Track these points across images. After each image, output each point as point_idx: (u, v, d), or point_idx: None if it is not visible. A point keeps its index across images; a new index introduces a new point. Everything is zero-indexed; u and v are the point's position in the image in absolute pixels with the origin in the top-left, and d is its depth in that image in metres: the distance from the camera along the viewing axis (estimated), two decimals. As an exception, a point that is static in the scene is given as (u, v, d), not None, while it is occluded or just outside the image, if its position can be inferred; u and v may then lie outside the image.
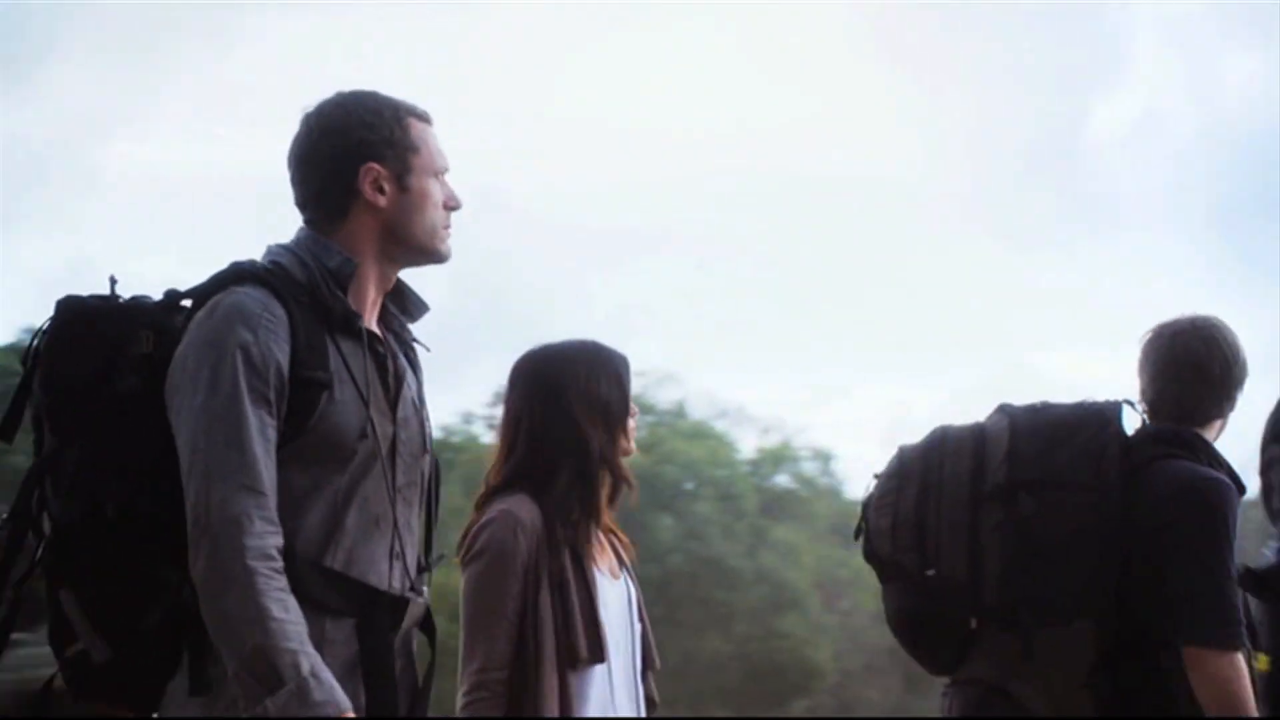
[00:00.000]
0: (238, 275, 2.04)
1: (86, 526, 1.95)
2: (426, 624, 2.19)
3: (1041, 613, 2.63)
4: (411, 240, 2.17)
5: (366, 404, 2.06)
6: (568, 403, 2.65)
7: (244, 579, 1.84)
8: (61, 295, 2.07)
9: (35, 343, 2.06)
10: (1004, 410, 2.81)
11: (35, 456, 2.05)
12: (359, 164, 2.12)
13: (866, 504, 2.92)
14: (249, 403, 1.93)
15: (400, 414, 2.14)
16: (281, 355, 1.97)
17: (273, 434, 1.95)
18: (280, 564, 1.89)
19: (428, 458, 2.23)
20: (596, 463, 2.64)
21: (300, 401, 1.98)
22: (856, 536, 2.94)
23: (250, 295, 2.00)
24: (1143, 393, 2.86)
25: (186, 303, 2.07)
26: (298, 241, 2.14)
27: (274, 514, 1.91)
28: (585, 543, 2.61)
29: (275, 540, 1.90)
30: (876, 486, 2.89)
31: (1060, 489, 2.67)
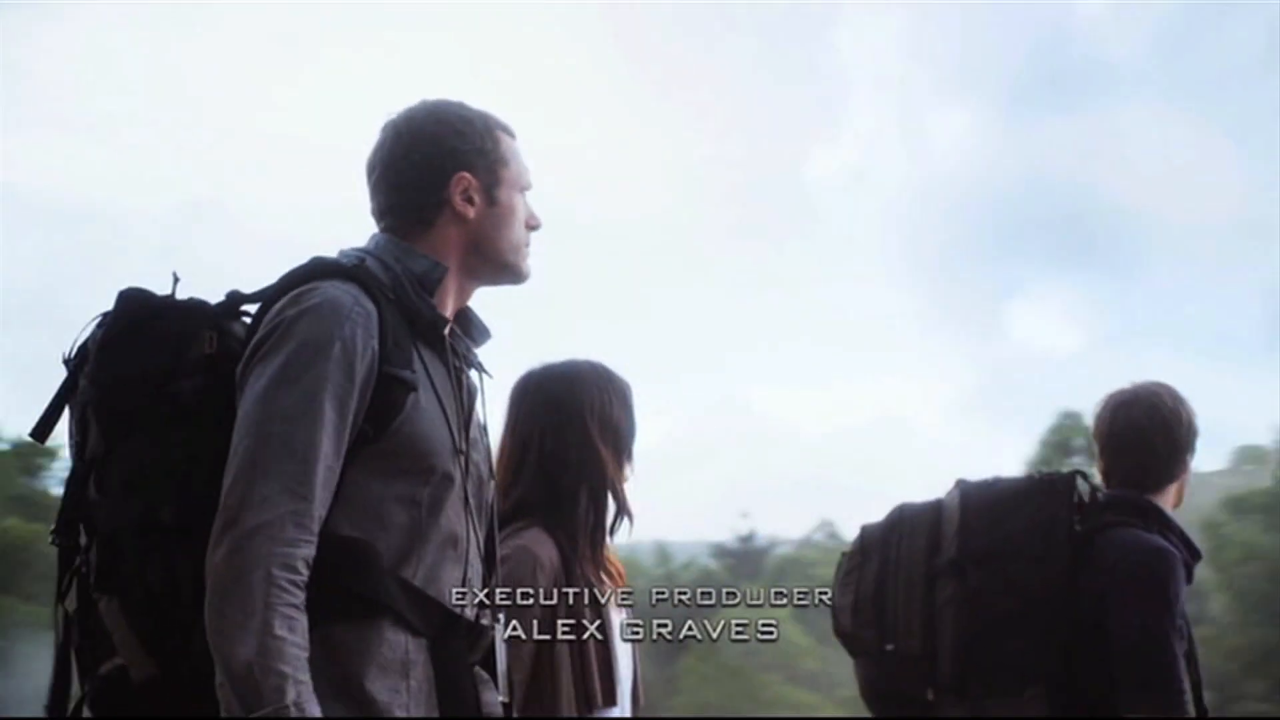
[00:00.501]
0: (322, 270, 1.94)
1: (138, 532, 1.82)
2: (489, 660, 2.08)
3: (992, 684, 2.68)
4: (496, 256, 2.10)
5: (447, 416, 1.97)
6: (583, 422, 2.55)
7: (258, 587, 1.71)
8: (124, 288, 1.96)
9: (87, 337, 1.94)
10: (959, 485, 2.88)
11: (77, 460, 1.93)
12: (451, 173, 2.06)
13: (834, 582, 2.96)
14: (328, 401, 1.81)
15: (471, 434, 2.06)
16: (372, 351, 1.87)
17: (346, 437, 1.84)
18: (303, 578, 1.76)
19: (491, 484, 2.15)
20: (608, 488, 2.56)
21: (384, 402, 1.88)
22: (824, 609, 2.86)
23: (339, 288, 1.89)
24: (1099, 461, 2.92)
25: (248, 307, 1.97)
26: (378, 246, 2.04)
27: (314, 525, 1.79)
28: (599, 580, 2.52)
29: (306, 551, 1.77)
30: (842, 564, 2.96)
31: (1009, 560, 2.71)
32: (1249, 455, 27.85)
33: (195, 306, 1.96)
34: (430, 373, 1.97)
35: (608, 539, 2.60)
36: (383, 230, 2.08)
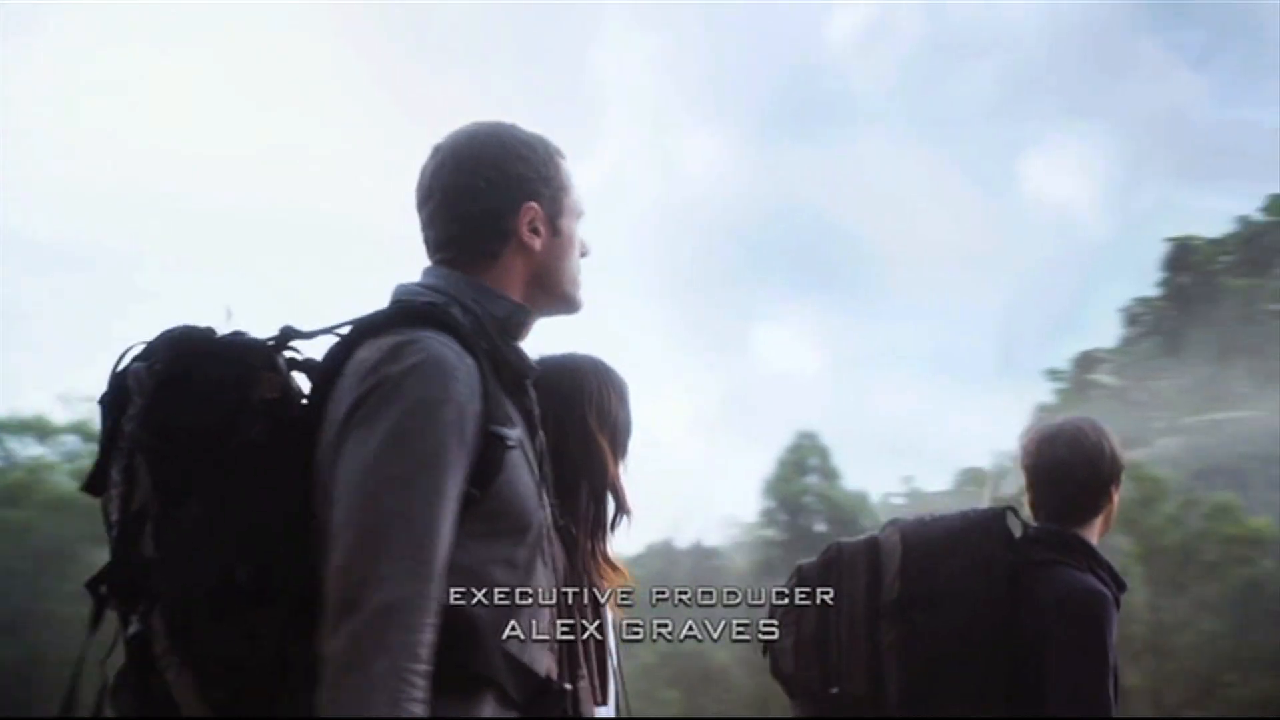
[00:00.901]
0: (414, 317, 1.81)
1: (212, 596, 1.68)
2: None
3: None
4: (557, 288, 2.02)
5: (531, 468, 1.88)
6: (582, 414, 2.48)
7: (384, 680, 1.59)
8: (172, 327, 1.81)
9: (131, 382, 1.79)
10: (895, 524, 2.92)
11: (120, 513, 1.78)
12: (519, 202, 1.96)
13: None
14: (445, 469, 1.71)
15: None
16: (476, 409, 1.76)
17: (458, 505, 1.73)
18: (428, 669, 1.65)
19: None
20: (608, 484, 2.50)
21: (487, 461, 1.78)
22: (764, 654, 2.97)
23: (439, 340, 1.78)
24: (1027, 495, 3.00)
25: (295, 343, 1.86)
26: (449, 284, 1.92)
27: (436, 608, 1.68)
28: (600, 577, 2.45)
29: (430, 636, 1.66)
30: (778, 605, 2.90)
31: (951, 602, 2.75)
32: (971, 477, 29.62)
33: (252, 346, 1.82)
34: (516, 424, 1.87)
35: (608, 535, 2.54)
36: (442, 263, 1.96)
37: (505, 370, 1.88)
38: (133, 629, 1.74)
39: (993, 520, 2.82)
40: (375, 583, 1.63)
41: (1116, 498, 2.93)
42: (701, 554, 27.19)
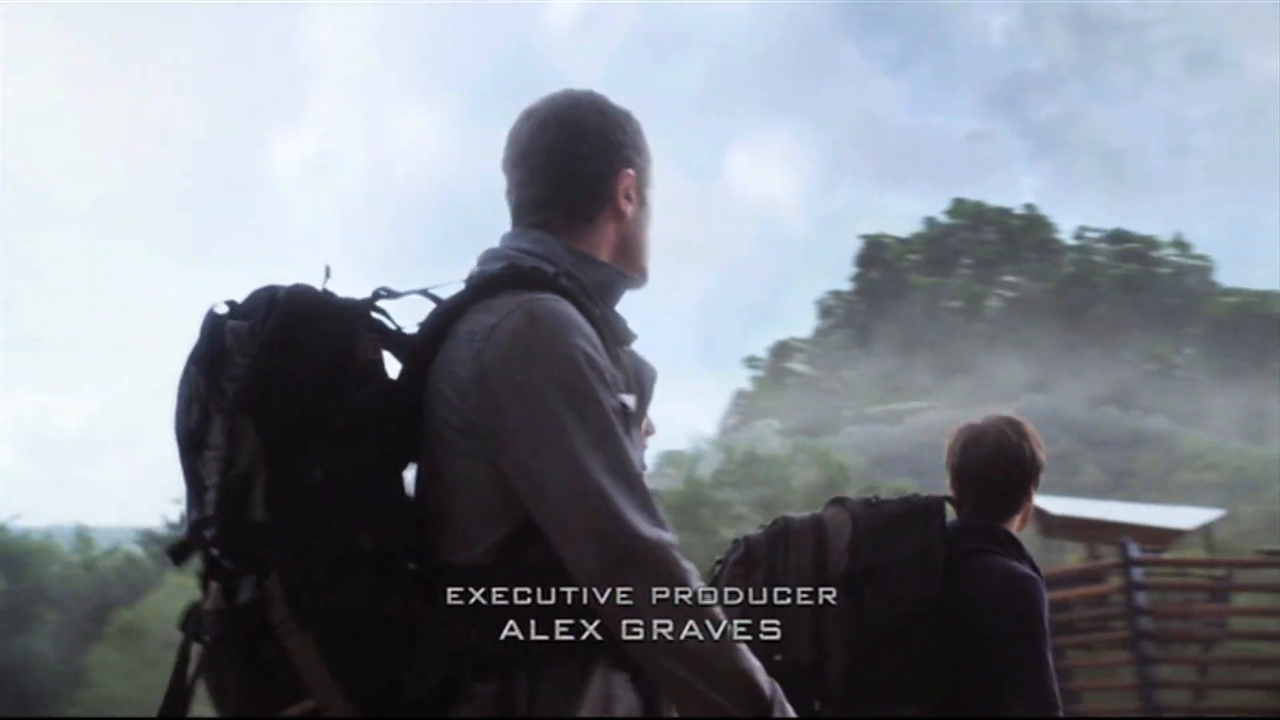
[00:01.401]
0: (530, 279, 1.77)
1: (336, 560, 1.63)
2: None
3: (878, 698, 2.80)
4: (639, 259, 1.96)
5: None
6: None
7: (710, 608, 1.64)
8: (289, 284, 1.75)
9: (231, 340, 1.70)
10: (842, 504, 2.98)
11: (221, 475, 1.68)
12: (620, 168, 1.92)
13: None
14: (616, 423, 1.70)
15: None
16: (611, 372, 1.75)
17: None
18: None
19: None
20: None
21: None
22: None
23: (561, 303, 1.74)
24: (952, 490, 3.12)
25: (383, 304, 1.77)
26: (546, 248, 1.86)
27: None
28: None
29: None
30: (723, 573, 2.98)
31: (896, 579, 2.84)
32: (670, 460, 30.41)
33: (351, 305, 1.75)
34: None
35: None
36: (535, 225, 1.90)
37: (608, 336, 1.82)
38: (245, 595, 1.65)
39: (934, 509, 2.93)
40: (643, 534, 1.63)
41: (1035, 496, 3.10)
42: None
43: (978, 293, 64.02)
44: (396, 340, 1.78)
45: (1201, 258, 63.16)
